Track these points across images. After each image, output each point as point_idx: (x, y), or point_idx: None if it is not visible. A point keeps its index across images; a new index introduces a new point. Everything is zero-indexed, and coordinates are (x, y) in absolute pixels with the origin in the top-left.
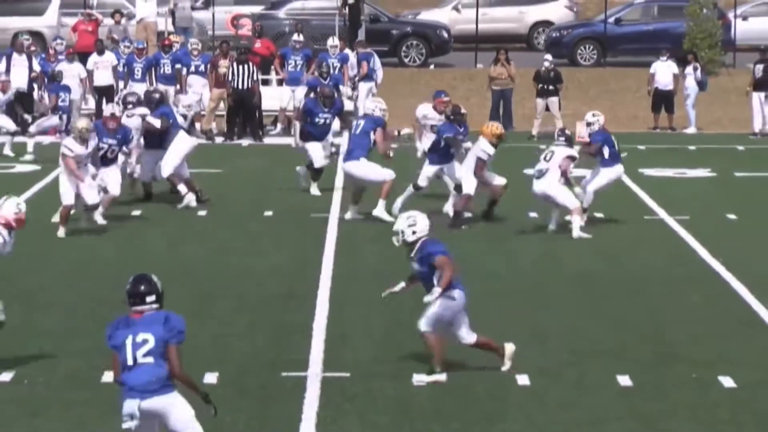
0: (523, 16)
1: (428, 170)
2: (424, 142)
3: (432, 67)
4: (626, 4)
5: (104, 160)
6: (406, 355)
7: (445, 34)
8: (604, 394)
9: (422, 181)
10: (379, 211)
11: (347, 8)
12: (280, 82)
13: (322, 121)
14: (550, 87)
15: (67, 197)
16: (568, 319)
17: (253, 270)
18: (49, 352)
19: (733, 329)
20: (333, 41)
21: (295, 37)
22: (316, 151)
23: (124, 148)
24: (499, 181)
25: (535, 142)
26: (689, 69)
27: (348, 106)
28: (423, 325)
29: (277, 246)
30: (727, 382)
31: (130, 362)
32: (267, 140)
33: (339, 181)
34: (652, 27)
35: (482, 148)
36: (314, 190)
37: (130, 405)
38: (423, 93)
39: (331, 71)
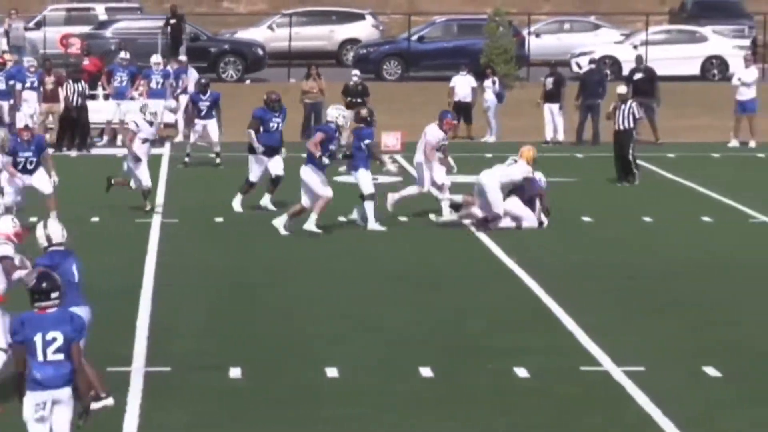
0: (332, 34)
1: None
2: (435, 171)
3: (248, 82)
4: (428, 23)
5: (25, 170)
6: (226, 348)
7: (261, 52)
8: (408, 382)
9: (371, 188)
10: (309, 224)
11: (169, 27)
12: (106, 97)
13: (274, 126)
14: (358, 100)
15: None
16: (376, 312)
17: None
18: None
19: (525, 321)
20: (156, 58)
21: (121, 54)
22: (269, 163)
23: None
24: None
25: (344, 150)
26: (488, 82)
27: (170, 118)
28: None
29: (103, 247)
30: (522, 372)
31: (40, 358)
32: (94, 151)
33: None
34: (452, 44)
35: (521, 171)
36: (266, 200)
37: (41, 396)
38: (240, 107)
39: (157, 86)
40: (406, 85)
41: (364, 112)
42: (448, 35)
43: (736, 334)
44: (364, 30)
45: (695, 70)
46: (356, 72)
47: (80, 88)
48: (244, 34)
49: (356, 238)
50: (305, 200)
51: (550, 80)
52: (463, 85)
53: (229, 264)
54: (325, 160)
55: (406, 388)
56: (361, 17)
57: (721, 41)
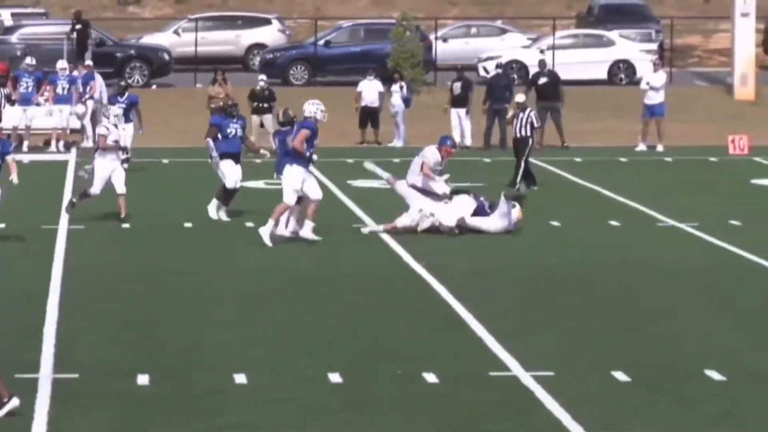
0: (239, 39)
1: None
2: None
3: (154, 87)
4: (335, 27)
5: None
6: (134, 354)
7: (167, 57)
8: (317, 388)
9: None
10: (306, 232)
11: (75, 33)
12: (12, 102)
13: (233, 131)
14: (265, 105)
15: None
16: (281, 317)
17: None
18: None
19: (433, 325)
20: (62, 64)
21: (27, 60)
22: (229, 170)
23: None
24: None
25: (250, 156)
26: (395, 87)
27: (75, 123)
28: None
29: (9, 253)
30: (430, 377)
31: None
32: None
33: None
34: (359, 49)
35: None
36: (222, 214)
37: None
38: (146, 112)
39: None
40: (313, 89)
41: (291, 112)
42: (355, 40)
43: (646, 338)
44: (270, 35)
45: (602, 75)
46: (263, 77)
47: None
48: (150, 39)
49: (260, 242)
50: (290, 199)
51: (457, 85)
52: (370, 89)
53: (137, 270)
54: (315, 157)
55: (315, 395)
56: (268, 22)
57: (628, 45)
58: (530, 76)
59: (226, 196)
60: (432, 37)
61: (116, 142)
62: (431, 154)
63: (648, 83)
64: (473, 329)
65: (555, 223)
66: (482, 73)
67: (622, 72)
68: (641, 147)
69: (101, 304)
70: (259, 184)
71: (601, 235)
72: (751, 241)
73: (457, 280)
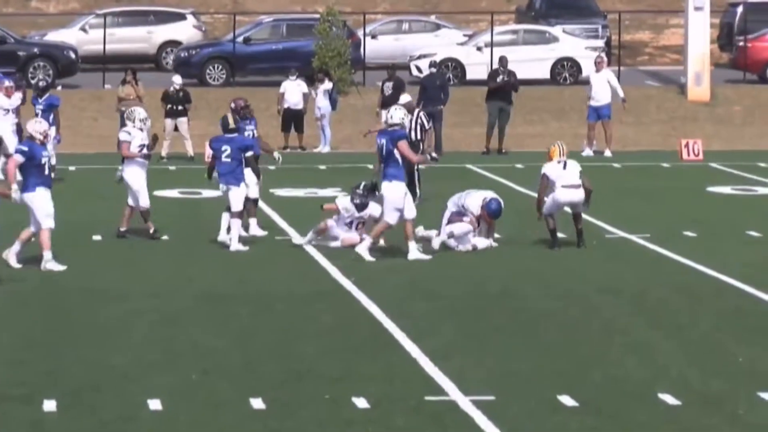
0: (151, 36)
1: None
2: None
3: (60, 87)
4: (255, 23)
5: None
6: (40, 377)
7: (73, 55)
8: (237, 414)
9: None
10: (362, 249)
11: None
12: None
13: (249, 134)
14: (179, 107)
15: None
16: (197, 337)
17: None
18: None
19: (364, 345)
20: None
21: None
22: (249, 178)
23: None
24: None
25: (164, 163)
26: (320, 88)
27: None
28: None
29: None
30: (361, 402)
31: None
32: None
33: None
34: (281, 46)
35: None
36: (257, 229)
37: None
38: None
39: None
40: (231, 90)
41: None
42: (277, 36)
43: (592, 359)
44: (185, 31)
45: (545, 74)
46: (177, 77)
47: None
48: (55, 36)
49: (173, 257)
50: (393, 218)
51: (388, 85)
52: (293, 90)
53: (43, 287)
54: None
55: (235, 421)
56: (182, 17)
57: (573, 42)
58: (488, 73)
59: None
60: (360, 33)
61: (143, 147)
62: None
63: (591, 84)
64: (407, 349)
65: (495, 234)
66: (415, 72)
67: (566, 71)
68: (587, 152)
69: (4, 323)
70: (173, 193)
71: (544, 248)
72: (707, 253)
73: (388, 297)
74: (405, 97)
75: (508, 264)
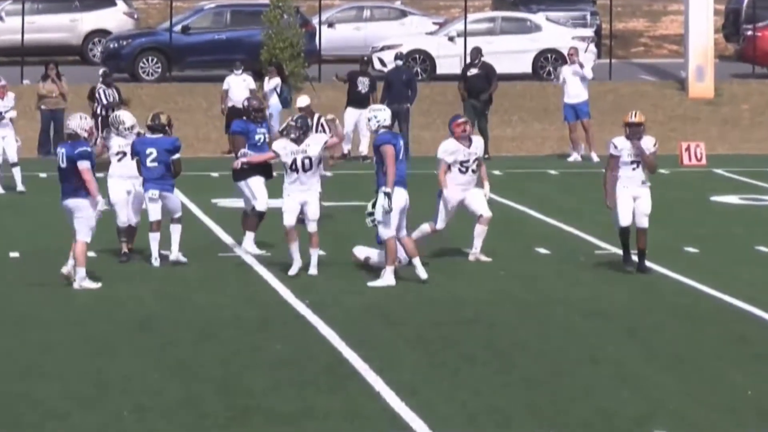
0: (75, 24)
1: None
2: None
3: None
4: (195, 9)
5: None
6: None
7: None
8: None
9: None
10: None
11: None
12: None
13: (261, 138)
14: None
15: None
16: (130, 369)
17: None
18: None
19: (320, 377)
20: None
21: None
22: (260, 189)
23: None
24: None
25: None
26: (269, 83)
27: None
28: None
29: None
30: None
31: None
32: None
33: None
34: (225, 36)
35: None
36: (248, 245)
37: None
38: None
39: None
40: (167, 86)
41: (164, 118)
42: (220, 25)
43: (578, 392)
44: (114, 19)
45: (526, 68)
46: (105, 71)
47: None
48: None
49: (101, 276)
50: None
51: (364, 80)
52: (238, 86)
53: None
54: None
55: None
56: (111, 3)
57: (558, 31)
58: (462, 67)
59: (258, 221)
60: (315, 21)
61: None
62: (443, 148)
63: (564, 79)
64: (368, 381)
65: (483, 259)
66: (378, 66)
67: (550, 64)
68: (574, 157)
69: None
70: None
71: (525, 265)
72: (709, 272)
73: (347, 322)
74: (303, 100)
75: (481, 285)
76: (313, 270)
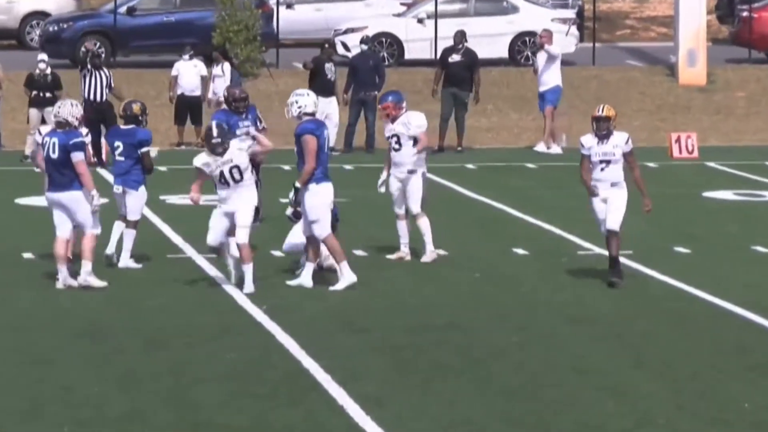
0: (11, 6)
1: None
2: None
3: None
4: None
5: None
6: None
7: None
8: None
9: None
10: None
11: None
12: None
13: (244, 132)
14: (47, 94)
15: None
16: (71, 381)
17: None
18: None
19: (279, 389)
20: None
21: None
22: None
23: None
24: None
25: (28, 163)
26: (218, 69)
27: None
28: None
29: None
30: None
31: None
32: None
33: None
34: (174, 18)
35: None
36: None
37: None
38: None
39: None
40: (112, 72)
41: (136, 107)
42: (169, 6)
43: (560, 404)
44: (54, 0)
45: (502, 52)
46: (43, 57)
47: None
48: None
49: (41, 281)
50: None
51: (331, 66)
52: (189, 73)
53: None
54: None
55: None
56: None
57: (537, 12)
58: (441, 52)
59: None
60: (272, 2)
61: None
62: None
63: (535, 65)
64: (331, 394)
65: (441, 252)
66: (342, 50)
67: (528, 48)
68: (555, 149)
69: None
70: (41, 200)
71: (501, 267)
72: (702, 274)
73: (307, 329)
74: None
75: (455, 288)
76: (247, 289)
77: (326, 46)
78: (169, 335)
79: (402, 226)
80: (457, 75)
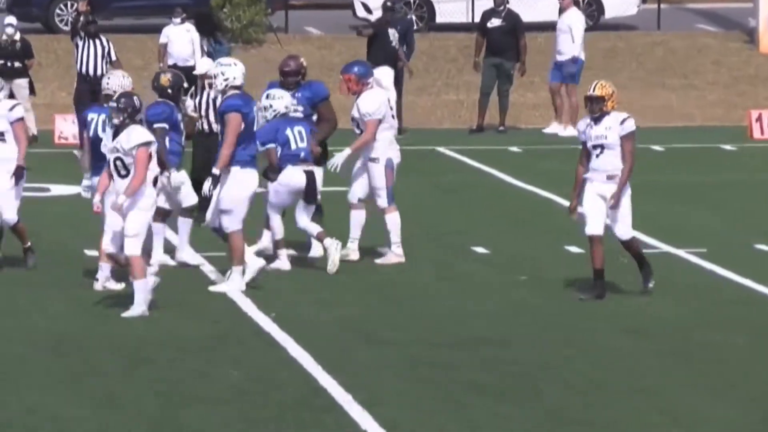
0: None
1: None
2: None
3: None
4: None
5: None
6: None
7: None
8: None
9: None
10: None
11: None
12: None
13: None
14: (15, 64)
15: None
16: (42, 403)
17: None
18: None
19: (289, 412)
20: None
21: None
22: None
23: None
24: None
25: None
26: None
27: None
28: None
29: None
30: None
31: None
32: None
33: None
34: None
35: None
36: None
37: None
38: None
39: None
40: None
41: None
42: None
43: (610, 425)
44: None
45: (552, 15)
46: (11, 21)
47: None
48: None
49: (6, 287)
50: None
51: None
52: (181, 39)
53: None
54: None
55: None
56: None
57: None
58: (480, 16)
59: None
60: None
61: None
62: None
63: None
64: (352, 417)
65: (479, 250)
66: (362, 13)
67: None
68: (552, 128)
69: None
70: None
71: (548, 267)
72: None
73: (322, 342)
74: (203, 65)
75: (491, 294)
76: (131, 312)
77: (388, 4)
78: (155, 349)
79: (354, 216)
80: (499, 42)
